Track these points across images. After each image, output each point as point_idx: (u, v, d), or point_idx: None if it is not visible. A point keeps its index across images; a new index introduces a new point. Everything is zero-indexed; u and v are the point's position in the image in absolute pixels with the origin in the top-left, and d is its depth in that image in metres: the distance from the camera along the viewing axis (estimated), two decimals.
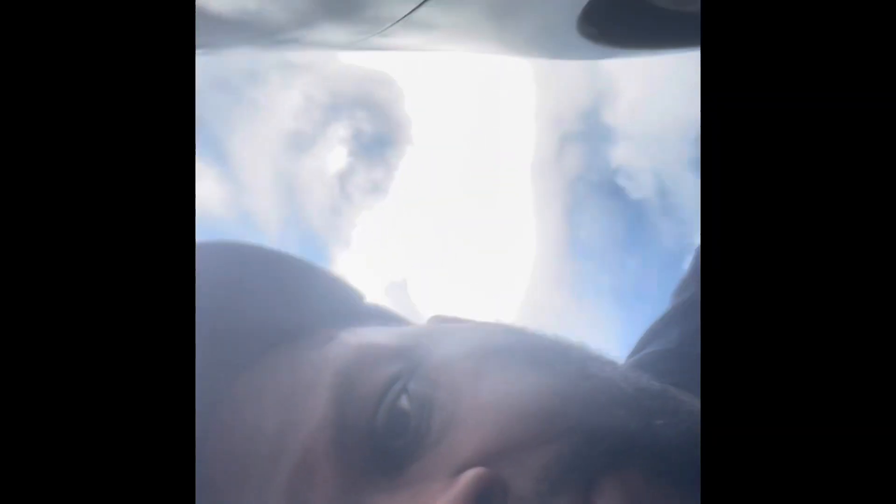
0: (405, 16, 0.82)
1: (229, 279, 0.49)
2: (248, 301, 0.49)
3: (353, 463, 0.40)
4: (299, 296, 0.53)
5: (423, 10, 0.85)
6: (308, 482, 0.40)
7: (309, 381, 0.44)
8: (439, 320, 0.54)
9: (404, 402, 0.41)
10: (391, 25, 0.90)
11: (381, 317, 0.57)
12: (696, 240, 0.69)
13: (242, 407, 0.44)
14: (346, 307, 0.55)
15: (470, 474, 0.37)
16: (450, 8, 0.78)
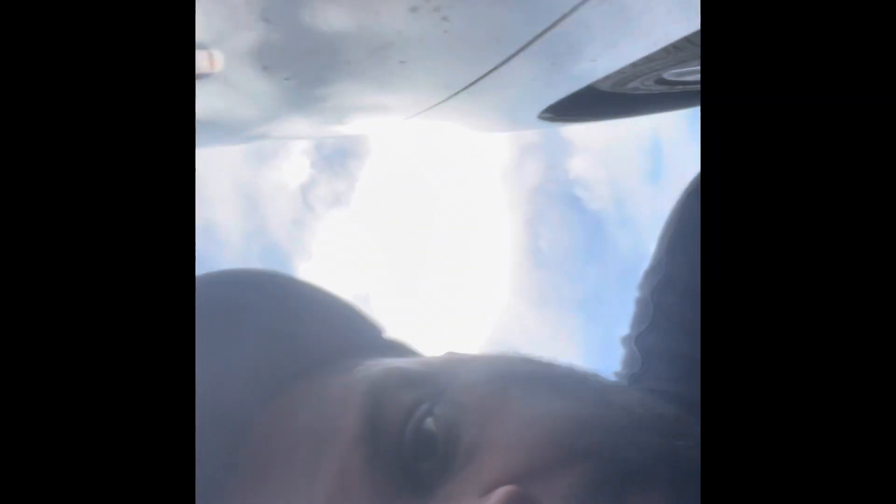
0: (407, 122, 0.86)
1: (258, 307, 0.51)
2: (275, 329, 0.50)
3: (386, 482, 0.41)
4: (324, 326, 0.54)
5: (391, 99, 0.90)
6: (346, 499, 0.41)
7: (338, 402, 0.45)
8: (453, 355, 0.55)
9: (430, 424, 0.43)
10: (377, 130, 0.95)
11: (400, 350, 0.57)
12: (651, 248, 0.72)
13: (276, 430, 0.45)
14: (367, 340, 0.56)
15: (502, 491, 0.37)
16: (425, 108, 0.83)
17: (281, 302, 0.53)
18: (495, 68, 0.51)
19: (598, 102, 0.99)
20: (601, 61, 0.56)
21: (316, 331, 0.53)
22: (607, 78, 0.77)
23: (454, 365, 0.49)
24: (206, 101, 0.89)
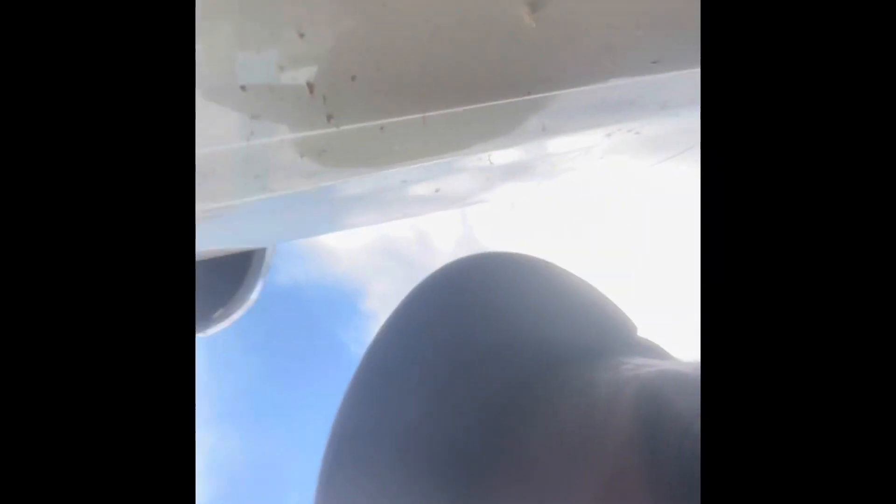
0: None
1: (520, 288, 0.50)
2: (537, 313, 0.49)
3: (663, 492, 0.38)
4: (584, 317, 0.52)
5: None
6: (620, 500, 0.38)
7: (607, 401, 0.42)
8: None
9: None
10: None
11: (656, 352, 0.53)
12: None
13: (535, 414, 0.43)
14: (624, 336, 0.53)
15: None
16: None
17: (543, 286, 0.52)
18: (681, 153, 0.56)
19: None
20: None
21: (576, 321, 0.51)
22: None
23: None
24: (433, 184, 1.01)
